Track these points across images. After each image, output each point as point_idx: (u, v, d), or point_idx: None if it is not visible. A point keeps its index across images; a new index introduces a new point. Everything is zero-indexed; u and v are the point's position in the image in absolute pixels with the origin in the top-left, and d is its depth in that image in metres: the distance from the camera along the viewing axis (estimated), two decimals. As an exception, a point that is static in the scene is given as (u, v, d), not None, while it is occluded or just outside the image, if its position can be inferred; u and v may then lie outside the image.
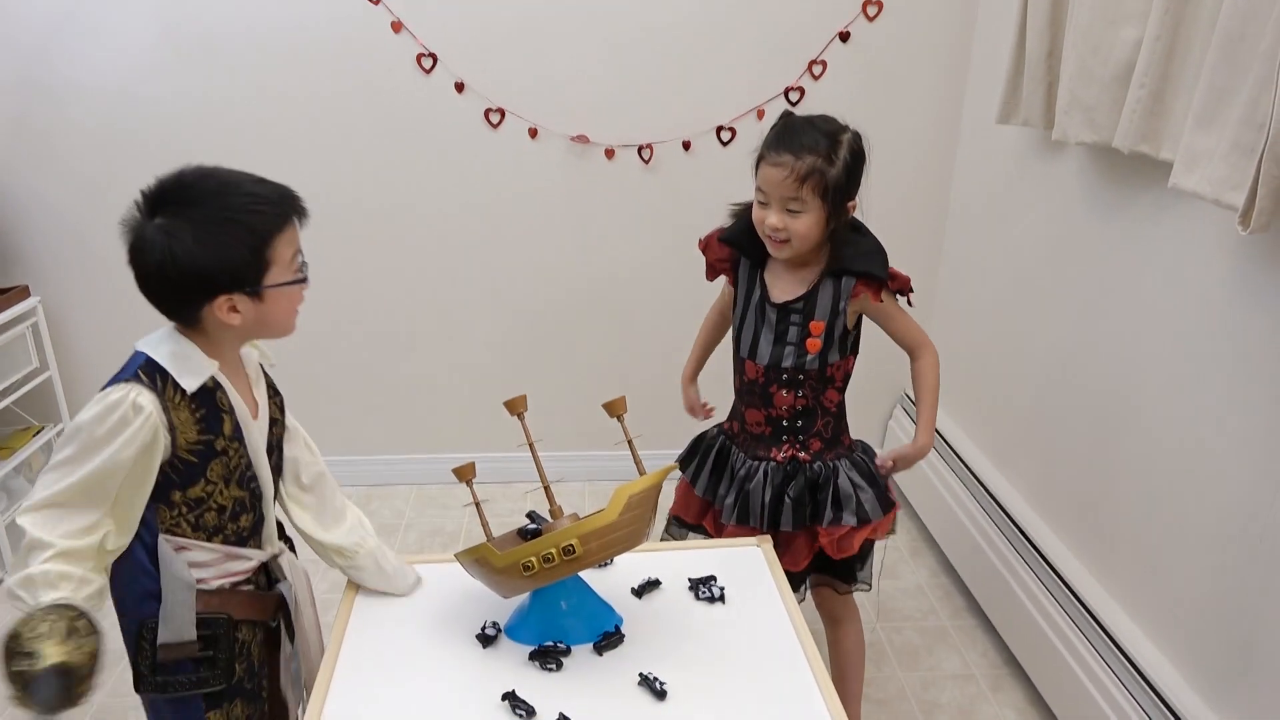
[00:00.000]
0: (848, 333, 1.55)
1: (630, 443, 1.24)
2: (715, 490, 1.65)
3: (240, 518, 1.24)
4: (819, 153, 1.42)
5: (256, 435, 1.24)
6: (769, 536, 1.48)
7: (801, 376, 1.55)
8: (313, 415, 2.71)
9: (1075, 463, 1.89)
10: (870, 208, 1.55)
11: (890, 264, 1.53)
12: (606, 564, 1.39)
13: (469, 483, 1.25)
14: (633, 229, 2.57)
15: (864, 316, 1.57)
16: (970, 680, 1.99)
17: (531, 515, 1.28)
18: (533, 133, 2.45)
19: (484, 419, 2.39)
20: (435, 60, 2.38)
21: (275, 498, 1.31)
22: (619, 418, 1.26)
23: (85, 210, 2.47)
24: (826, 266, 1.51)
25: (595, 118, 2.46)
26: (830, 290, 1.52)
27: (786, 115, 1.50)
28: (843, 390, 1.61)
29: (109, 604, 1.17)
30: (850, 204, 1.48)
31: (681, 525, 1.73)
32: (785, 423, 1.58)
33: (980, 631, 2.13)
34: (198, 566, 1.22)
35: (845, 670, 1.74)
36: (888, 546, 2.47)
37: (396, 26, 2.35)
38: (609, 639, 1.22)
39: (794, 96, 2.46)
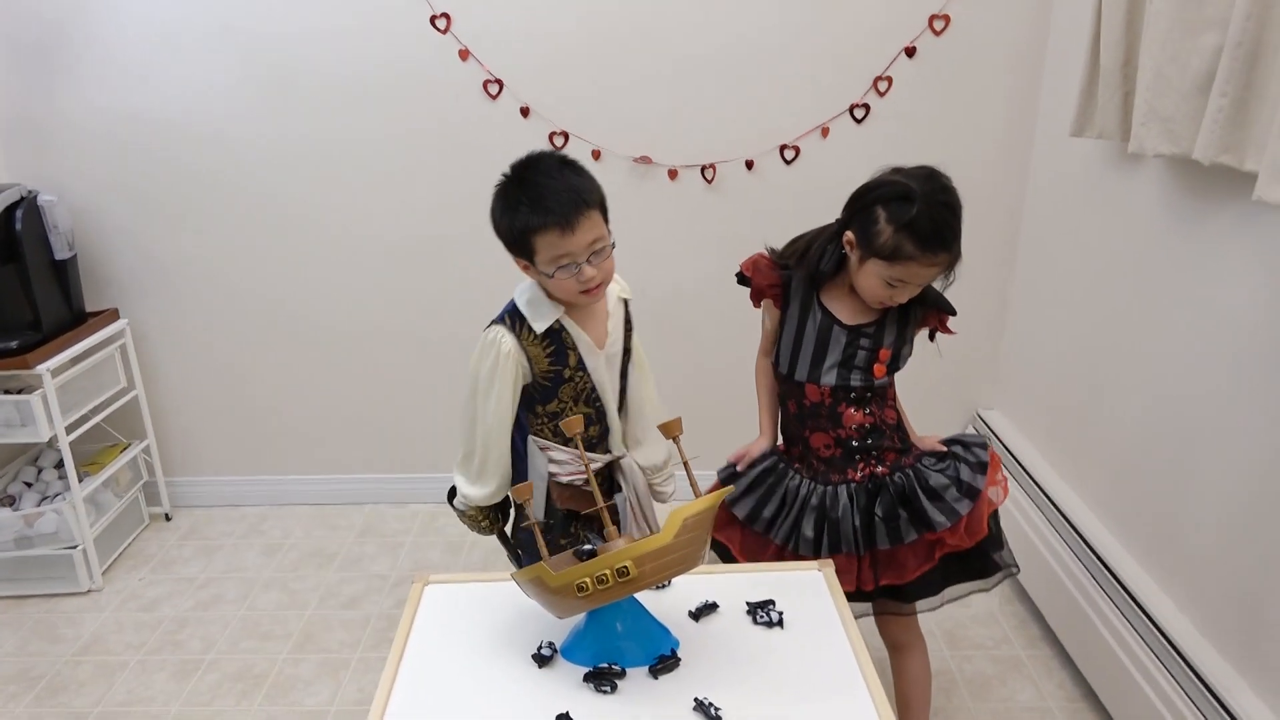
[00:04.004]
0: (909, 357, 1.58)
1: (686, 464, 1.23)
2: (776, 523, 1.61)
3: (589, 429, 1.56)
4: (959, 238, 1.42)
5: (601, 363, 1.54)
6: (830, 561, 1.44)
7: (870, 394, 1.55)
8: (390, 432, 2.78)
9: (1155, 484, 1.81)
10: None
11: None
12: (663, 586, 1.38)
13: (526, 503, 1.26)
14: (696, 249, 2.57)
15: None
16: (1045, 713, 1.91)
17: (587, 537, 1.28)
18: (596, 155, 2.48)
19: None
20: (501, 86, 2.43)
21: (621, 410, 1.63)
22: (675, 439, 1.25)
23: (168, 239, 2.59)
24: None
25: (658, 139, 2.47)
26: (895, 317, 1.53)
27: (928, 202, 1.39)
28: (895, 405, 1.61)
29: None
30: None
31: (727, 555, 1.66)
32: (855, 442, 1.56)
33: (1056, 662, 2.05)
34: (556, 464, 1.55)
35: (911, 699, 1.69)
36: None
37: (464, 54, 2.40)
38: (665, 662, 1.20)
39: (859, 114, 2.43)
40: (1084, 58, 1.88)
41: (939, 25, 2.35)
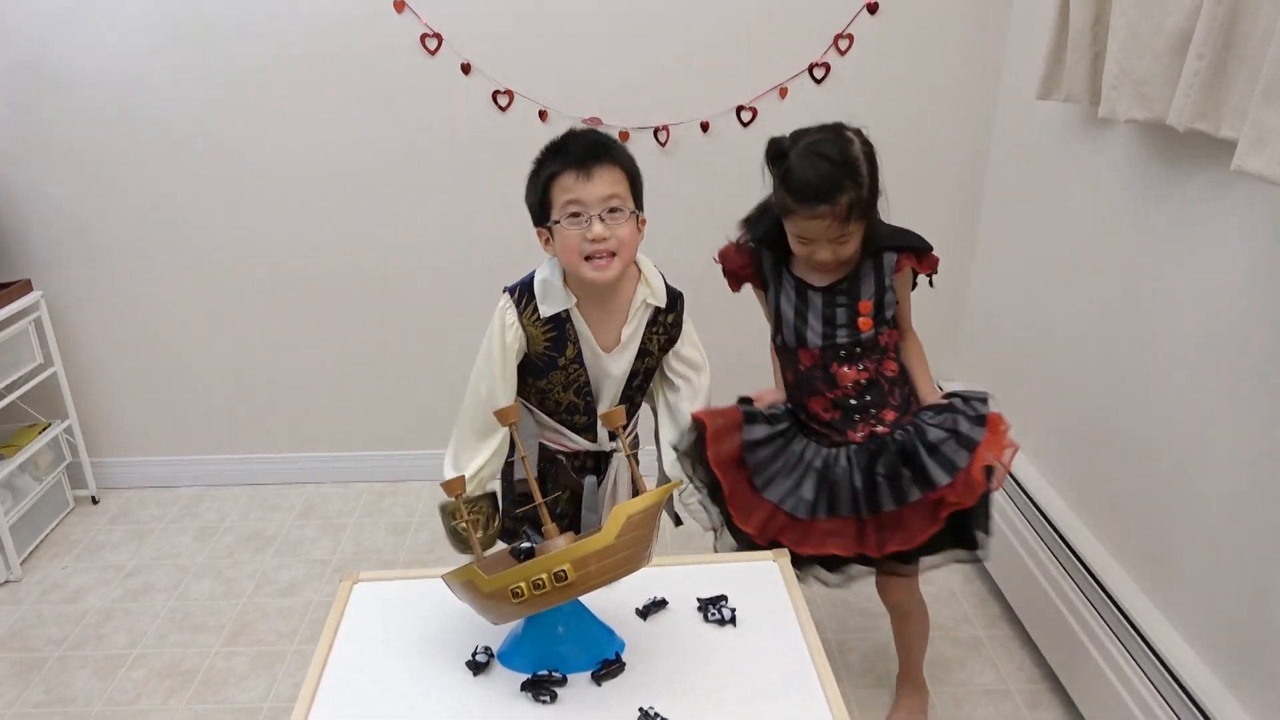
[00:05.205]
0: (895, 304, 1.55)
1: (629, 457, 1.14)
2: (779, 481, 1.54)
3: (575, 415, 1.58)
4: (849, 187, 1.39)
5: (605, 364, 1.53)
6: (785, 551, 1.37)
7: (859, 349, 1.52)
8: (332, 407, 2.66)
9: (1119, 461, 1.76)
10: (901, 191, 1.51)
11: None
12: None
13: (458, 498, 1.16)
14: (649, 214, 2.45)
15: None
16: (1006, 696, 1.87)
17: (525, 533, 1.18)
18: (543, 115, 2.35)
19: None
20: (440, 41, 2.28)
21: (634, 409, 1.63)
22: (617, 429, 1.15)
23: (85, 202, 2.42)
24: (863, 247, 1.49)
25: (608, 99, 2.35)
26: (871, 268, 1.51)
27: (799, 155, 1.42)
28: (898, 358, 1.57)
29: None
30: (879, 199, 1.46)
31: (739, 534, 1.55)
32: (854, 401, 1.53)
33: (1017, 643, 2.01)
34: (540, 425, 1.60)
35: (911, 649, 1.74)
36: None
37: (400, 6, 2.25)
38: (609, 667, 1.12)
39: (819, 74, 2.32)
40: (1052, 15, 1.79)
41: (902, -19, 2.25)
